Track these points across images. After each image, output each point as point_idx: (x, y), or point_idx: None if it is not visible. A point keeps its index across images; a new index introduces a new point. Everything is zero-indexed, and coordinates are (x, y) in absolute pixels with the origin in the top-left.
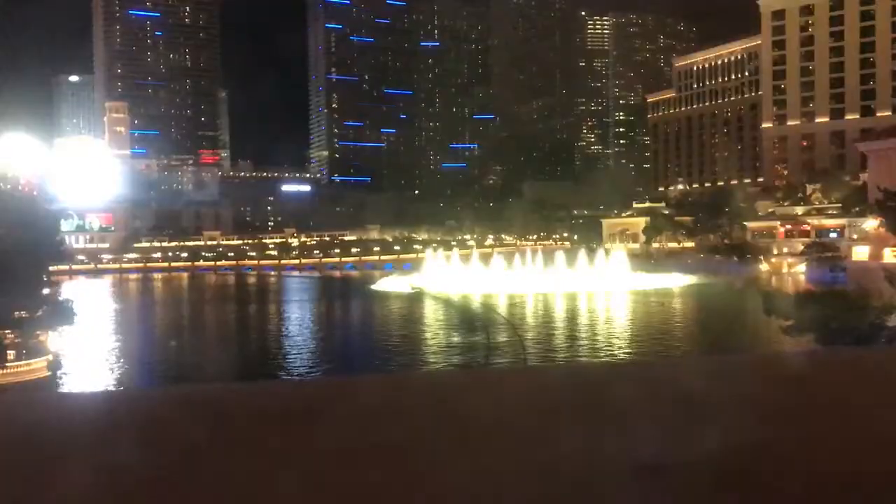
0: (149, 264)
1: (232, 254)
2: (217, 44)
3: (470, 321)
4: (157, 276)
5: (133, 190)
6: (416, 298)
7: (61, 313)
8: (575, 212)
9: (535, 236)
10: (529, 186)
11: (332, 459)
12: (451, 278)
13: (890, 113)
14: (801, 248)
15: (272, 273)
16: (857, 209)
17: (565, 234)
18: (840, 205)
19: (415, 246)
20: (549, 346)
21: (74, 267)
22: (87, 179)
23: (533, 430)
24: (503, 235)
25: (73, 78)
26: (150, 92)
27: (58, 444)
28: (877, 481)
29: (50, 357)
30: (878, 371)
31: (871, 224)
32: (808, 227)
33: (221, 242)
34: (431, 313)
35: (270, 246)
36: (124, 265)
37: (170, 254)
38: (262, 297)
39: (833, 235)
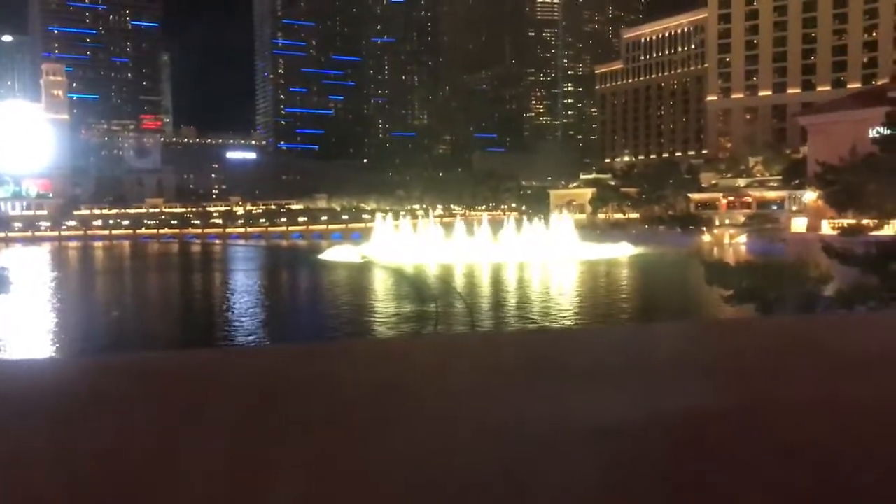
0: (89, 232)
1: (175, 222)
2: (159, 5)
3: (419, 290)
4: (98, 244)
5: (72, 156)
6: (364, 268)
7: None
8: (523, 182)
9: (483, 206)
10: (479, 156)
11: (283, 429)
12: (401, 248)
13: (829, 88)
14: (742, 219)
15: (217, 242)
16: (796, 182)
17: (514, 205)
18: (781, 177)
19: (363, 215)
20: (498, 314)
21: (10, 234)
22: (22, 144)
23: (483, 396)
24: (452, 205)
25: (6, 38)
26: (89, 54)
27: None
28: (817, 443)
29: None
30: (814, 337)
31: (809, 196)
32: (750, 199)
33: (164, 210)
34: (380, 283)
35: (215, 214)
36: (63, 233)
37: (111, 221)
38: (206, 266)
39: (774, 207)
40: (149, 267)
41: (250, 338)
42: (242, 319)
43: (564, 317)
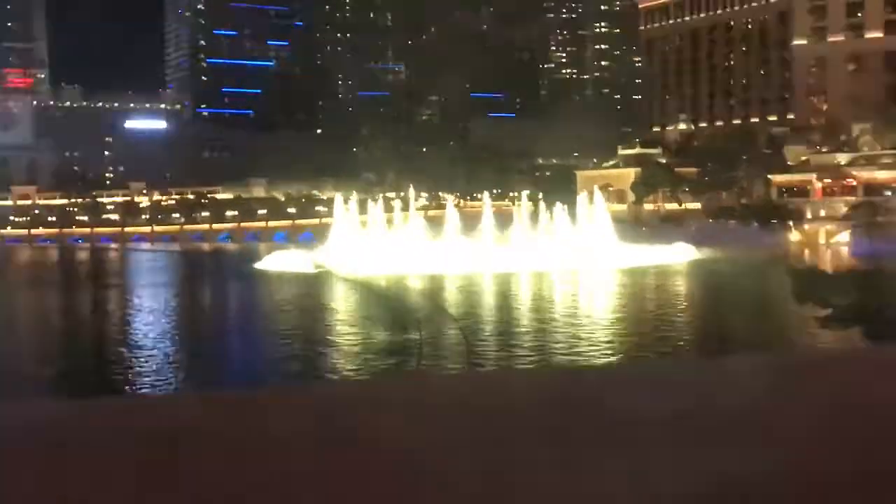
0: None
1: (54, 218)
2: None
3: (395, 313)
4: None
5: None
6: (319, 282)
7: None
8: (540, 160)
9: (485, 194)
10: (478, 125)
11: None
12: (370, 254)
13: None
14: (844, 210)
15: (112, 246)
16: None
17: (527, 192)
18: None
19: (317, 208)
20: (504, 345)
21: None
22: None
23: (490, 448)
24: (441, 193)
25: None
26: None
27: None
28: None
29: None
30: None
31: None
32: (854, 183)
33: (38, 202)
34: (341, 302)
35: (110, 207)
36: None
37: None
38: (97, 280)
39: (887, 194)
40: (13, 284)
41: (159, 382)
42: (145, 357)
43: (595, 350)
